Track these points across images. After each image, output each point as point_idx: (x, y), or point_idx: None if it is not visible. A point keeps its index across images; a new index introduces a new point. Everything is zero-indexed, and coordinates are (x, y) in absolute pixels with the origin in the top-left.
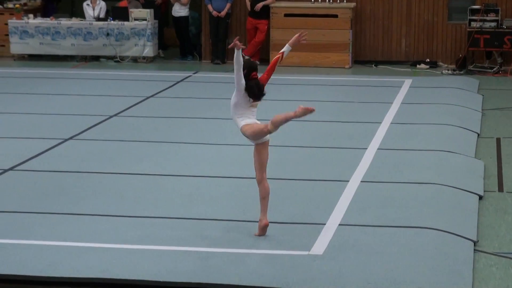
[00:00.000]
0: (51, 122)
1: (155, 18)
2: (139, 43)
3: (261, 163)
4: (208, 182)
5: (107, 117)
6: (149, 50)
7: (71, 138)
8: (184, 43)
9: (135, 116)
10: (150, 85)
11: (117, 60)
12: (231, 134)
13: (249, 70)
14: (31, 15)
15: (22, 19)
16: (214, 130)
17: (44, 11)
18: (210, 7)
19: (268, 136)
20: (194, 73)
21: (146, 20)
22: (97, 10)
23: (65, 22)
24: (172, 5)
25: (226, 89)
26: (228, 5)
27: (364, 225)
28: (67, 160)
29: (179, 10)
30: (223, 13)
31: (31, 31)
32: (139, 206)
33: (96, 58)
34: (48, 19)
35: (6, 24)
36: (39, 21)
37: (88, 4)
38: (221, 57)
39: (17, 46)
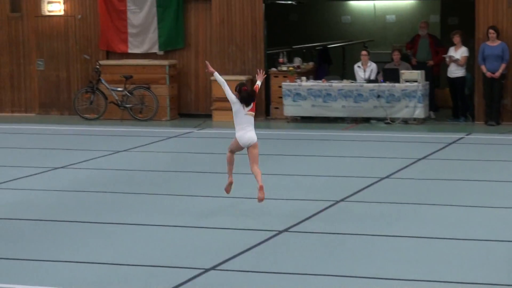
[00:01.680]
0: (323, 183)
1: (426, 79)
2: (410, 104)
3: (254, 158)
4: (479, 246)
5: (379, 179)
6: (420, 111)
7: (342, 200)
8: (457, 104)
9: (407, 178)
10: (421, 146)
11: (387, 122)
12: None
13: (240, 87)
14: (303, 78)
15: (295, 82)
16: (489, 192)
17: (316, 74)
18: (483, 68)
19: (254, 139)
20: (466, 135)
21: (417, 81)
22: (368, 72)
23: (336, 84)
24: (446, 66)
25: (501, 151)
26: (503, 66)
27: None
28: (340, 221)
29: (455, 71)
30: (497, 74)
31: (304, 93)
32: (418, 269)
33: (366, 120)
34: (320, 81)
35: (280, 86)
36: (311, 83)
37: (359, 66)
38: (496, 118)
39: (290, 108)
